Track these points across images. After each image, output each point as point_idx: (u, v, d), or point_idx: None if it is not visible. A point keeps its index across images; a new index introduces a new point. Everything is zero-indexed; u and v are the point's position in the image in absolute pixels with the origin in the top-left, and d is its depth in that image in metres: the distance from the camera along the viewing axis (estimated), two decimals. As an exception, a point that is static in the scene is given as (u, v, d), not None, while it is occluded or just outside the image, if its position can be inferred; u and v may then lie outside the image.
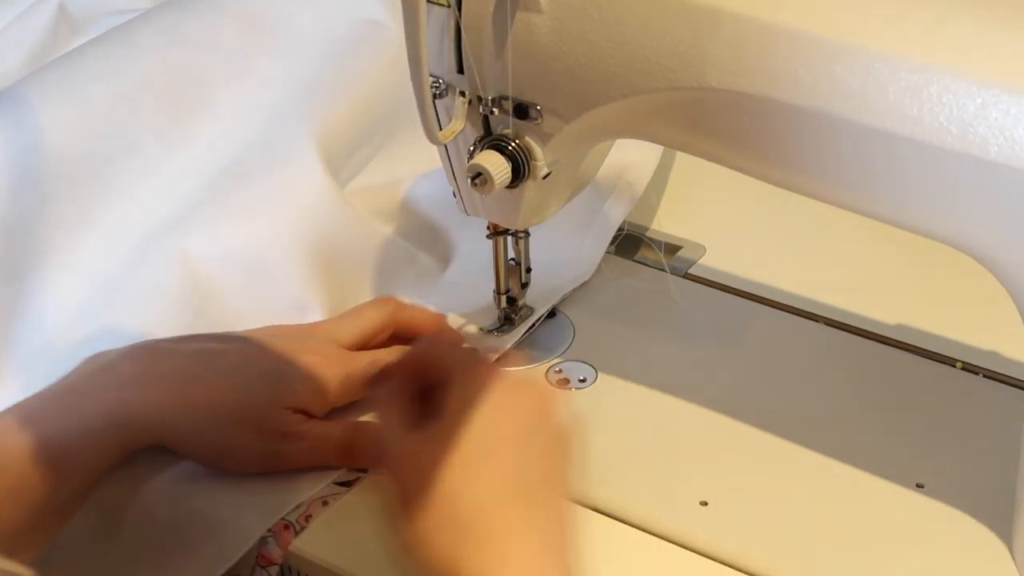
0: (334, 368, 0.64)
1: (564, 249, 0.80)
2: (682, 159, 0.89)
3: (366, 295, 0.76)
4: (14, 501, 0.58)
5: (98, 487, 0.61)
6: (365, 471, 0.64)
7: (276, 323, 0.69)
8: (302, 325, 0.70)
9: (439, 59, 0.61)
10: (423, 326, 0.71)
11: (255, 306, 0.72)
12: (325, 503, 0.63)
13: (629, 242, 0.83)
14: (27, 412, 0.60)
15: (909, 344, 0.73)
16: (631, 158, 0.81)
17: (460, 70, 0.61)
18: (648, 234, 0.85)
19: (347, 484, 0.64)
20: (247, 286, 0.73)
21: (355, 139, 0.82)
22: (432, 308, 0.77)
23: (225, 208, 0.75)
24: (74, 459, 0.59)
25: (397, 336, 0.70)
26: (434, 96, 0.62)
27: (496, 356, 0.73)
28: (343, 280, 0.76)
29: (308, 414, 0.63)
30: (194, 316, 0.71)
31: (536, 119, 0.61)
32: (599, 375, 0.72)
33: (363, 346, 0.69)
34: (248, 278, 0.73)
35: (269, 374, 0.63)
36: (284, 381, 0.63)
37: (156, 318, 0.70)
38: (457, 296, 0.78)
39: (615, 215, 0.81)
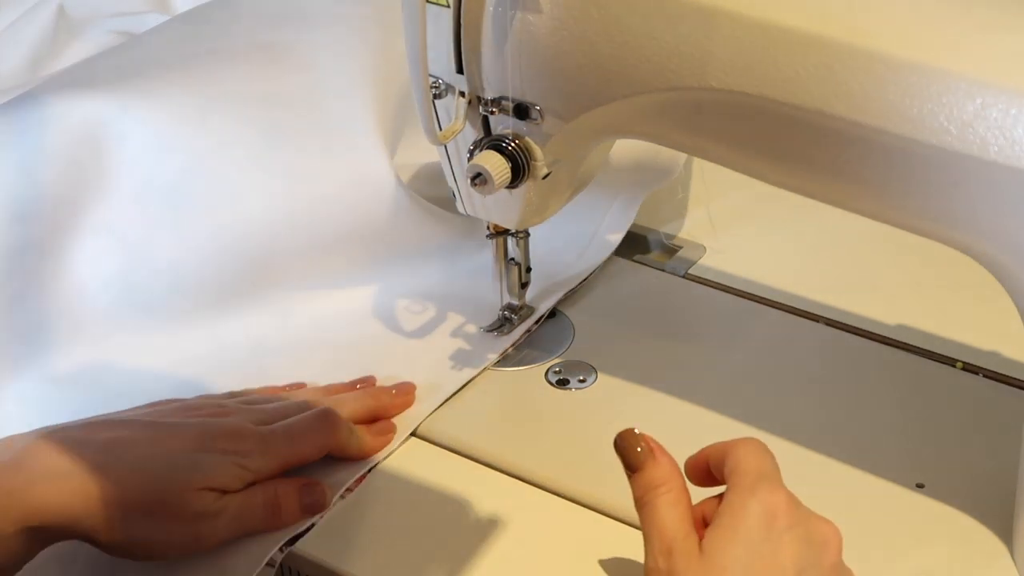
0: (252, 449, 0.62)
1: (565, 250, 0.80)
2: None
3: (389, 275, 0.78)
4: None
5: None
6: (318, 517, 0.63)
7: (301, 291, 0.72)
8: (221, 397, 0.68)
9: (439, 59, 0.61)
10: (361, 414, 0.68)
11: (291, 272, 0.74)
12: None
13: (629, 242, 0.84)
14: None
15: (909, 344, 0.73)
16: (648, 161, 0.81)
17: (460, 70, 0.61)
18: (648, 234, 0.85)
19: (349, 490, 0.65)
20: (283, 253, 0.74)
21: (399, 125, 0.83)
22: (432, 308, 0.77)
23: (272, 174, 0.76)
24: None
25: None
26: (434, 96, 0.62)
27: (496, 356, 0.73)
28: (375, 256, 0.77)
29: (225, 491, 0.61)
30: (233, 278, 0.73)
31: (536, 119, 0.61)
32: (599, 375, 0.72)
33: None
34: (287, 243, 0.74)
35: (182, 462, 0.60)
36: (196, 467, 0.60)
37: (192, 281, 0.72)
38: (457, 295, 0.78)
39: (622, 219, 0.81)
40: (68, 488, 0.57)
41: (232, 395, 0.69)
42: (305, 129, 0.78)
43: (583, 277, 0.79)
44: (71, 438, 0.59)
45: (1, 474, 0.57)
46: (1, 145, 0.71)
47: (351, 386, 0.71)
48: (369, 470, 0.66)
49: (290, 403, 0.67)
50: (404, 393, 0.70)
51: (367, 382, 0.71)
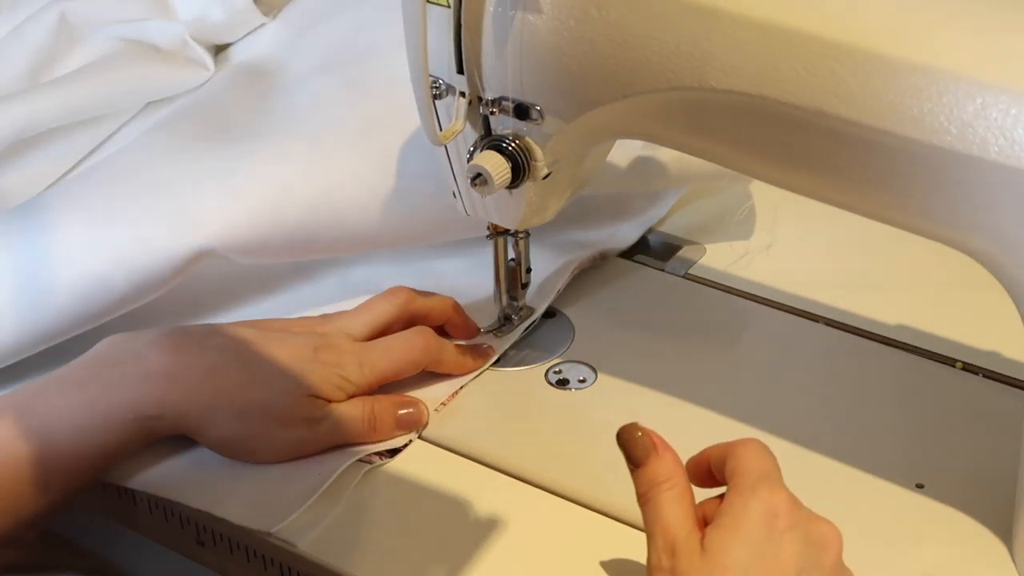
0: (350, 361, 0.66)
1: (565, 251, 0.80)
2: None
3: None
4: (20, 501, 0.60)
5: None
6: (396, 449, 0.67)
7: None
8: (318, 319, 0.71)
9: (439, 59, 0.61)
10: (436, 313, 0.72)
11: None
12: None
13: (629, 242, 0.84)
14: (46, 400, 0.62)
15: (909, 344, 0.73)
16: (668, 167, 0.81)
17: (460, 70, 0.61)
18: (648, 234, 0.85)
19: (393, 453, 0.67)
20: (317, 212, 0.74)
21: None
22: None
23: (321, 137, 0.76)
24: (95, 450, 0.62)
25: (411, 323, 0.71)
26: (434, 96, 0.62)
27: (496, 356, 0.73)
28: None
29: (329, 400, 0.65)
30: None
31: (536, 119, 0.61)
32: (599, 375, 0.72)
33: (376, 337, 0.70)
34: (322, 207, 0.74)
35: (290, 368, 0.64)
36: (305, 375, 0.64)
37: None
38: (456, 296, 0.78)
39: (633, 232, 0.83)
40: (179, 386, 0.62)
41: (326, 317, 0.71)
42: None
43: (573, 268, 0.78)
44: (191, 339, 0.64)
45: (121, 364, 0.63)
46: None
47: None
48: (462, 387, 0.70)
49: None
50: (468, 319, 0.74)
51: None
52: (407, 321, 0.71)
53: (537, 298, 0.77)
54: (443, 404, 0.69)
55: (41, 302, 0.71)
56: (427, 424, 0.68)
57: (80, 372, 0.63)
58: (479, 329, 0.74)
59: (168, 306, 0.74)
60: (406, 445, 0.67)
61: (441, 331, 0.73)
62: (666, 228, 0.85)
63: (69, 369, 0.64)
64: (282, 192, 0.73)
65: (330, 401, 0.65)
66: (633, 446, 0.56)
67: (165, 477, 0.65)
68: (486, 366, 0.72)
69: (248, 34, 0.94)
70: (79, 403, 0.62)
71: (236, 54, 0.94)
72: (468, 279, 0.78)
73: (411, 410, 0.67)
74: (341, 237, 0.75)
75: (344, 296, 0.78)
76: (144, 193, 0.74)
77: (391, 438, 0.66)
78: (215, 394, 0.63)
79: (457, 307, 0.74)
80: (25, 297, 0.71)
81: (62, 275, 0.71)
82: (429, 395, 0.70)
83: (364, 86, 0.79)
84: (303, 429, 0.64)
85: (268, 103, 0.83)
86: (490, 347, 0.73)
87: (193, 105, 0.86)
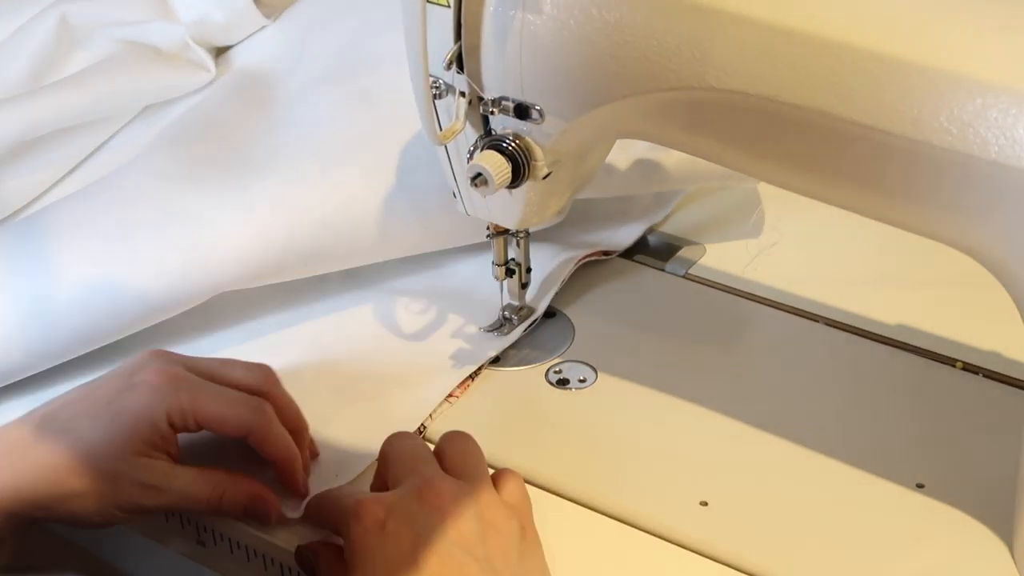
0: (164, 388, 0.61)
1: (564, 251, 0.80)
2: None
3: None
4: None
5: None
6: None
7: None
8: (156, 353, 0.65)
9: (439, 59, 0.61)
10: (271, 450, 0.63)
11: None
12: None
13: (629, 242, 0.84)
14: None
15: (909, 344, 0.73)
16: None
17: (460, 70, 0.61)
18: (648, 234, 0.85)
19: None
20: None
21: None
22: (432, 308, 0.77)
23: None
24: None
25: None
26: (434, 96, 0.62)
27: (495, 355, 0.73)
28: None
29: (159, 446, 0.61)
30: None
31: (536, 119, 0.61)
32: (599, 375, 0.72)
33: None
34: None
35: (99, 419, 0.60)
36: (116, 422, 0.60)
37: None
38: (457, 296, 0.78)
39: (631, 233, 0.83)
40: (11, 468, 0.59)
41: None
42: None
43: (572, 264, 0.78)
44: (23, 423, 0.61)
45: None
46: None
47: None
48: (472, 378, 0.71)
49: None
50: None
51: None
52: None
53: (537, 298, 0.77)
54: (455, 397, 0.70)
55: (51, 323, 0.71)
56: (275, 522, 0.62)
57: None
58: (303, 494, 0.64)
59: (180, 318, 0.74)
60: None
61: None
62: (666, 228, 0.85)
63: None
64: (296, 214, 0.73)
65: (160, 446, 0.60)
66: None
67: None
68: (291, 512, 0.63)
69: (249, 36, 0.94)
70: None
71: (237, 56, 0.94)
72: (477, 279, 0.78)
73: (260, 511, 0.62)
74: (355, 251, 0.76)
75: (357, 302, 0.78)
76: (156, 218, 0.74)
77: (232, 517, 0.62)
78: (37, 474, 0.59)
79: (294, 464, 0.64)
80: (35, 318, 0.71)
81: (73, 298, 0.71)
82: (436, 388, 0.70)
83: (371, 98, 0.79)
84: (139, 498, 0.60)
85: (276, 117, 0.83)
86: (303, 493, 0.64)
87: (200, 120, 0.86)
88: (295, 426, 0.64)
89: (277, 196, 0.74)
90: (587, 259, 0.80)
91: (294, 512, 0.62)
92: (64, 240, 0.73)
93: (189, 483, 0.61)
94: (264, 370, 0.66)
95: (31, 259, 0.73)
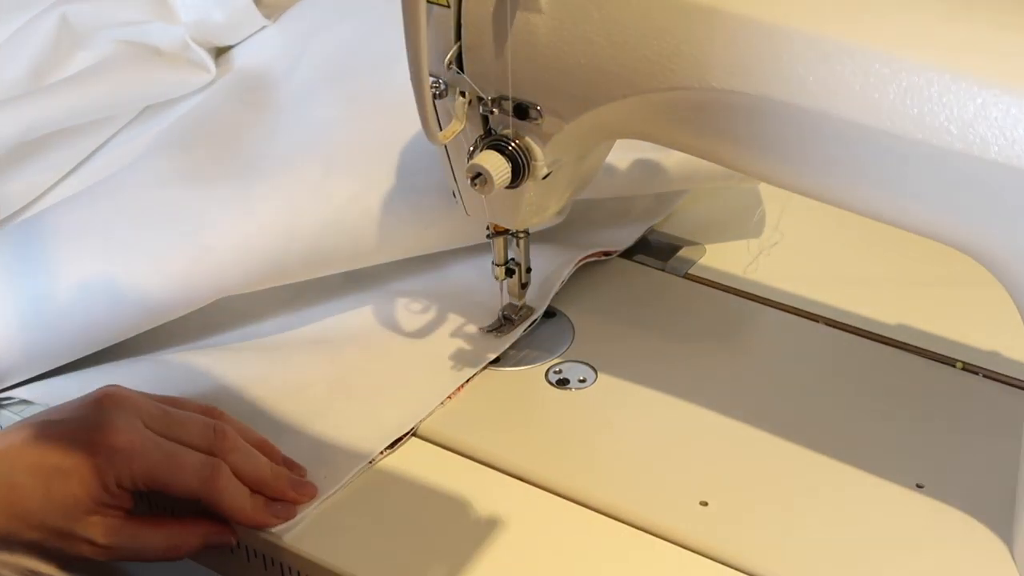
0: (122, 454, 0.59)
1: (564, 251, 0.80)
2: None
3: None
4: None
5: None
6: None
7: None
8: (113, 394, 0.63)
9: (439, 59, 0.61)
10: (246, 476, 0.63)
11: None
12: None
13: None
14: None
15: (909, 344, 0.73)
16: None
17: (460, 69, 0.61)
18: (648, 234, 0.85)
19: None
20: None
21: None
22: (432, 308, 0.77)
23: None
24: None
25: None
26: (434, 96, 0.62)
27: (495, 356, 0.73)
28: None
29: (123, 507, 0.60)
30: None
31: (536, 119, 0.61)
32: (599, 375, 0.72)
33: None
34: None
35: (53, 477, 0.59)
36: (65, 480, 0.58)
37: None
38: (457, 296, 0.78)
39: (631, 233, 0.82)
40: None
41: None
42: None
43: (572, 266, 0.78)
44: None
45: None
46: None
47: (263, 442, 0.65)
48: (468, 381, 0.71)
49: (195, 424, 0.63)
50: (299, 491, 0.64)
51: (274, 453, 0.65)
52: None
53: (537, 298, 0.77)
54: (448, 398, 0.70)
55: (52, 324, 0.71)
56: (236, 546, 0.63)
57: None
58: (296, 511, 0.64)
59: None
60: (405, 436, 0.67)
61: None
62: (666, 228, 0.85)
63: None
64: (299, 217, 0.73)
65: (116, 498, 0.60)
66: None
67: None
68: (280, 524, 0.63)
69: (249, 36, 0.94)
70: None
71: (237, 57, 0.94)
72: (477, 279, 0.78)
73: (218, 546, 0.62)
74: (358, 254, 0.76)
75: (358, 303, 0.78)
76: (158, 220, 0.74)
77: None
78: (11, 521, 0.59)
79: (280, 478, 0.64)
80: (36, 319, 0.71)
81: (74, 299, 0.71)
82: (434, 389, 0.70)
83: (373, 99, 0.79)
84: (94, 553, 0.60)
85: (277, 118, 0.83)
86: (292, 509, 0.63)
87: (202, 122, 0.86)
88: (257, 476, 0.63)
89: (279, 199, 0.74)
90: (587, 259, 0.80)
91: (285, 523, 0.62)
92: (65, 242, 0.73)
93: (141, 540, 0.60)
94: (217, 431, 0.63)
95: (32, 260, 0.73)
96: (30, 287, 0.72)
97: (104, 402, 0.61)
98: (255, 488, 0.62)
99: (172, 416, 0.63)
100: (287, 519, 0.62)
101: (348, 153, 0.76)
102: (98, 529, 0.59)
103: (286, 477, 0.64)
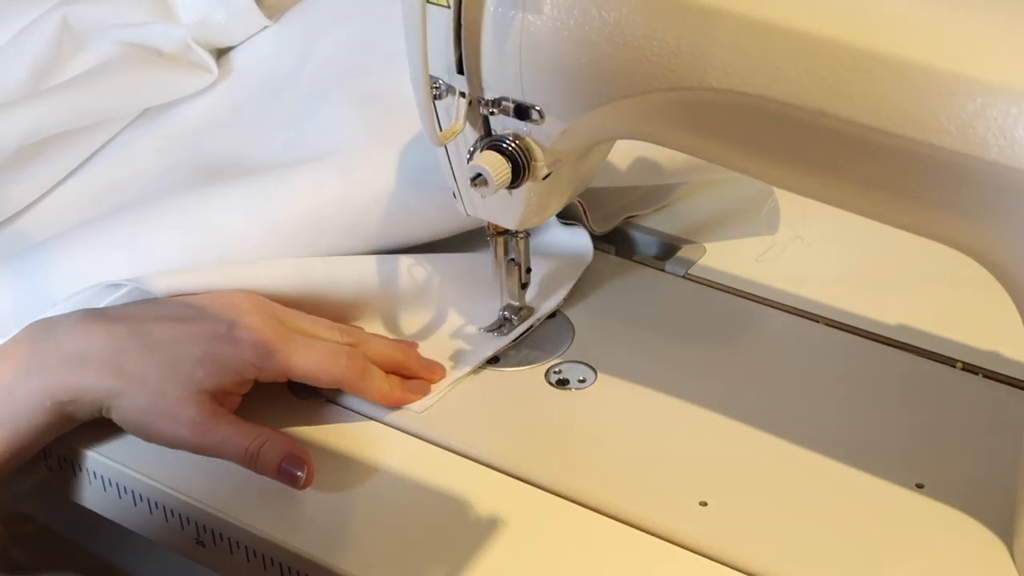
0: (264, 343, 0.65)
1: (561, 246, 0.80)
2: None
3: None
4: None
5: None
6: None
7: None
8: (255, 297, 0.69)
9: (439, 59, 0.61)
10: (381, 362, 0.69)
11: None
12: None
13: (629, 242, 0.84)
14: None
15: (909, 344, 0.73)
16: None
17: (460, 70, 0.61)
18: (648, 234, 0.85)
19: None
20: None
21: None
22: (432, 308, 0.77)
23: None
24: (14, 436, 0.63)
25: None
26: (434, 97, 0.62)
27: (494, 356, 0.73)
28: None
29: (229, 393, 0.65)
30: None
31: (536, 119, 0.61)
32: (599, 375, 0.72)
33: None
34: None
35: (190, 356, 0.64)
36: (205, 363, 0.64)
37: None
38: (457, 296, 0.78)
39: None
40: (89, 370, 0.63)
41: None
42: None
43: (580, 272, 0.78)
44: (100, 321, 0.65)
45: (41, 353, 0.64)
46: None
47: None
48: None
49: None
50: (430, 370, 0.71)
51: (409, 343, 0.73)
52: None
53: (539, 299, 0.77)
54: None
55: None
56: (308, 485, 0.64)
57: (1, 358, 0.64)
58: (430, 388, 0.70)
59: None
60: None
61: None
62: (666, 228, 0.85)
63: None
64: (320, 224, 0.74)
65: (229, 394, 0.65)
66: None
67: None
68: (418, 403, 0.69)
69: (251, 37, 0.94)
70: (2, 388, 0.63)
71: (238, 57, 0.94)
72: (476, 279, 0.78)
73: (296, 473, 0.64)
74: (366, 245, 0.76)
75: None
76: (177, 231, 0.74)
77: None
78: (117, 379, 0.64)
79: (411, 357, 0.71)
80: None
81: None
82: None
83: (385, 100, 0.79)
84: (186, 431, 0.63)
85: (290, 122, 0.83)
86: (424, 385, 0.70)
87: (214, 127, 0.86)
88: (390, 357, 0.70)
89: (300, 206, 0.74)
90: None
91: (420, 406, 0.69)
92: (82, 252, 0.74)
93: (231, 430, 0.64)
94: (344, 327, 0.70)
95: (42, 272, 0.73)
96: (31, 291, 0.72)
97: (243, 299, 0.67)
98: (389, 369, 0.69)
99: (302, 315, 0.69)
100: (424, 394, 0.69)
101: (362, 156, 0.76)
102: (202, 408, 0.63)
103: (416, 357, 0.71)
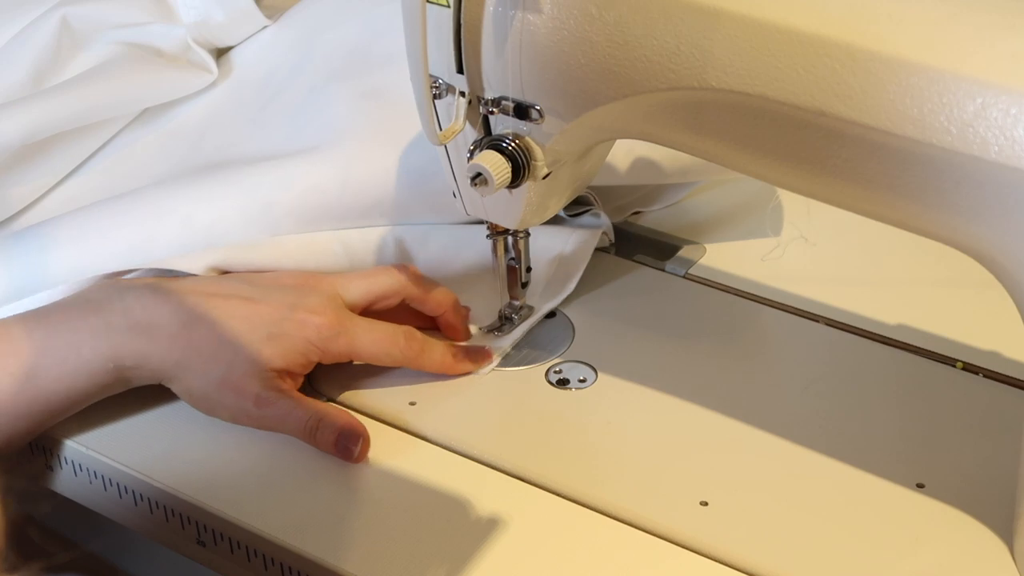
0: (328, 326, 0.67)
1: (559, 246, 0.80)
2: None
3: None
4: None
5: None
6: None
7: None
8: (311, 275, 0.71)
9: (439, 59, 0.61)
10: (432, 304, 0.72)
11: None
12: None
13: (629, 242, 0.84)
14: (33, 337, 0.64)
15: (909, 344, 0.73)
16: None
17: (460, 70, 0.61)
18: (648, 234, 0.85)
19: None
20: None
21: None
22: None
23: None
24: (75, 392, 0.65)
25: (406, 306, 0.72)
26: (434, 96, 0.62)
27: (490, 364, 0.73)
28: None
29: (292, 373, 0.67)
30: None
31: (536, 119, 0.61)
32: (599, 375, 0.72)
33: (368, 308, 0.71)
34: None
35: (257, 333, 0.66)
36: (271, 341, 0.66)
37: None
38: (457, 295, 0.78)
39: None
40: (156, 339, 0.65)
41: (322, 275, 0.72)
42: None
43: (581, 272, 0.78)
44: (170, 291, 0.66)
45: (108, 316, 0.65)
46: None
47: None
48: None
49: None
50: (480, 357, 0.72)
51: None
52: (401, 301, 0.72)
53: (540, 298, 0.77)
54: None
55: None
56: (362, 459, 0.66)
57: (69, 314, 0.65)
58: (470, 334, 0.74)
59: None
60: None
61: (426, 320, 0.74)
62: (666, 228, 0.85)
63: (58, 309, 0.66)
64: (319, 233, 0.76)
65: (292, 373, 0.67)
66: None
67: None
68: (480, 370, 0.72)
69: (250, 37, 0.94)
70: (66, 346, 0.64)
71: (238, 57, 0.94)
72: (476, 279, 0.78)
73: (351, 447, 0.65)
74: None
75: None
76: (177, 235, 0.75)
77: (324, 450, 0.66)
78: (185, 350, 0.65)
79: (456, 306, 0.74)
80: None
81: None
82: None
83: (387, 99, 0.79)
84: (250, 404, 0.65)
85: (293, 121, 0.83)
86: (487, 352, 0.72)
87: (212, 128, 0.86)
88: (445, 315, 0.73)
89: (299, 212, 0.75)
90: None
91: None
92: (79, 251, 0.74)
93: (293, 405, 0.65)
94: (404, 270, 0.71)
95: (42, 266, 0.73)
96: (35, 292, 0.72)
97: (306, 280, 0.70)
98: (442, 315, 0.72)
99: (363, 288, 0.70)
100: (487, 360, 0.71)
101: (365, 154, 0.76)
102: (267, 383, 0.65)
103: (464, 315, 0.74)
